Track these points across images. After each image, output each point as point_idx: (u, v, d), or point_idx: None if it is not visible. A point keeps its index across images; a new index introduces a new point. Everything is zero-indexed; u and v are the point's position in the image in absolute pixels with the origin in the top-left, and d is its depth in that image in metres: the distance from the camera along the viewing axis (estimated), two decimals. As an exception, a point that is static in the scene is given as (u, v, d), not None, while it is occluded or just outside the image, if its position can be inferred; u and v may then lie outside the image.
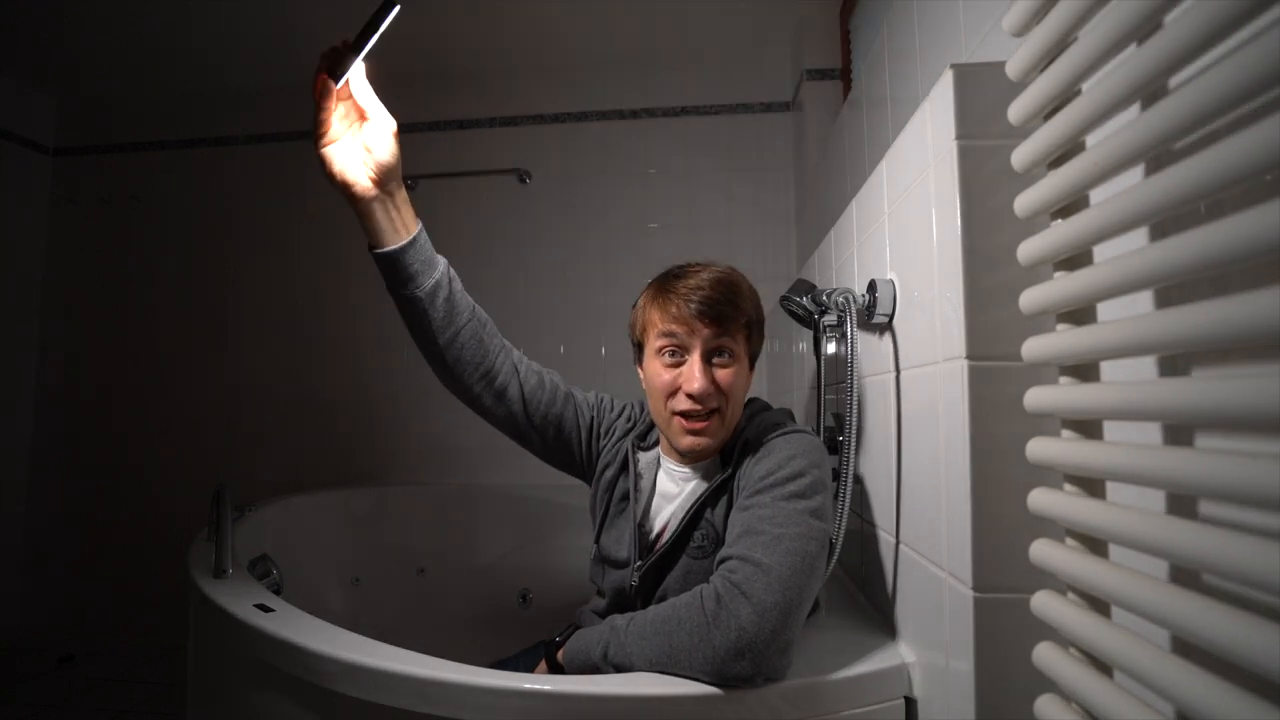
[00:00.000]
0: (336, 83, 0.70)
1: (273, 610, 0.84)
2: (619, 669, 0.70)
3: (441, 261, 0.83)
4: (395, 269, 0.79)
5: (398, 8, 0.68)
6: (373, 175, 0.75)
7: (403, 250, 0.78)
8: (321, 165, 0.74)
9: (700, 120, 2.17)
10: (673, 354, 0.82)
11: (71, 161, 2.44)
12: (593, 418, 0.95)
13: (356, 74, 0.72)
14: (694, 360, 0.80)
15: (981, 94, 0.60)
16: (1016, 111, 0.54)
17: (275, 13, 1.91)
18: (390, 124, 0.75)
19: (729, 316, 0.81)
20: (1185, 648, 0.41)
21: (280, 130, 2.33)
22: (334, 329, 2.25)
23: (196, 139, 2.38)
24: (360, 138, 0.75)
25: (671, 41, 2.09)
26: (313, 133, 0.72)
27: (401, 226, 0.79)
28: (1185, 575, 0.42)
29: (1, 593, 2.24)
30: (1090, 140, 0.48)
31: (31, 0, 1.83)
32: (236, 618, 0.83)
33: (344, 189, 0.75)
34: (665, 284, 0.84)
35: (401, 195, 0.78)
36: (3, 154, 2.28)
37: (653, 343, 0.84)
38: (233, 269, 2.32)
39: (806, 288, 1.04)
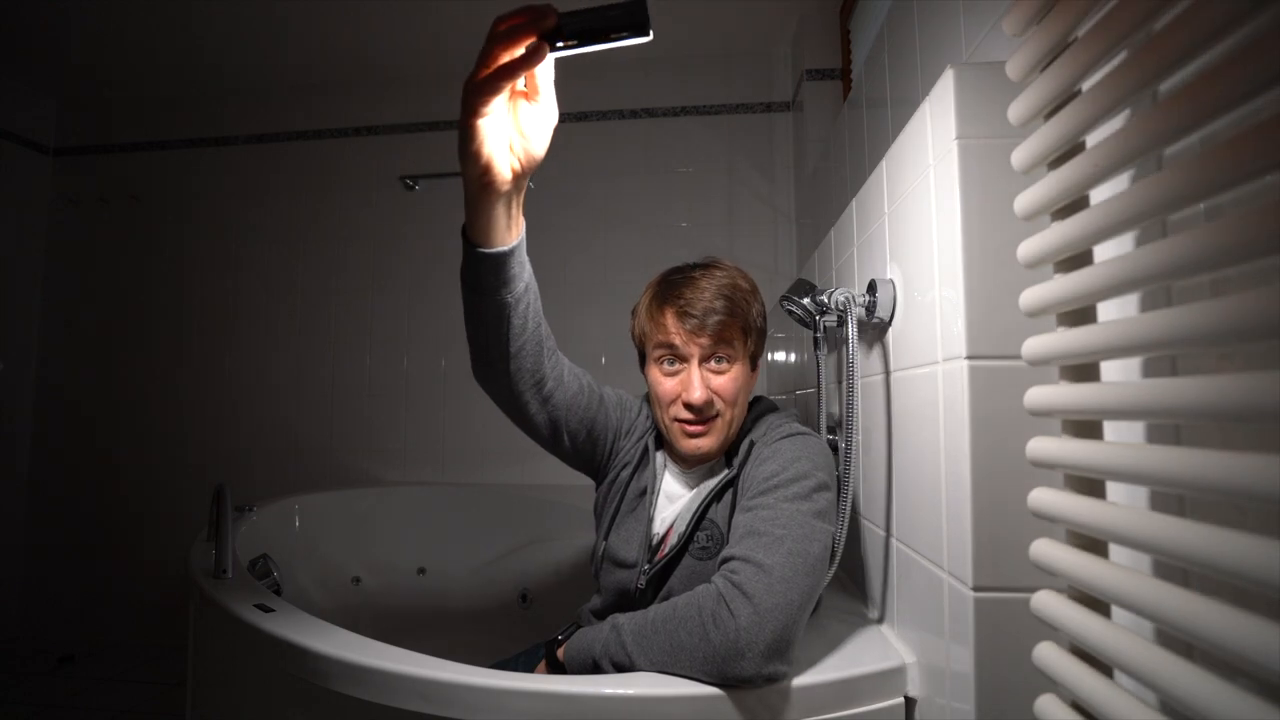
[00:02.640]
0: (553, 51, 0.53)
1: (273, 610, 0.84)
2: (619, 668, 0.70)
3: (529, 262, 0.75)
4: (498, 270, 0.69)
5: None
6: (516, 167, 0.62)
7: (510, 252, 0.69)
8: (464, 138, 0.58)
9: (700, 120, 2.17)
10: (671, 362, 0.83)
11: (71, 161, 2.44)
12: (618, 419, 0.95)
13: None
14: (692, 369, 0.81)
15: (981, 94, 0.60)
16: (1016, 112, 0.54)
17: (276, 12, 1.91)
18: (555, 117, 0.61)
19: (726, 325, 0.81)
20: (1185, 647, 0.41)
21: (280, 130, 2.33)
22: (334, 328, 2.25)
23: (196, 139, 2.38)
24: (516, 120, 0.61)
25: (672, 42, 2.09)
26: (471, 98, 0.55)
27: (515, 225, 0.69)
28: (1184, 574, 0.42)
29: (1, 593, 2.24)
30: (1090, 140, 0.48)
31: (31, 0, 1.83)
32: (236, 618, 0.83)
33: (482, 174, 0.60)
34: (661, 294, 0.85)
35: (524, 192, 0.68)
36: (3, 154, 2.28)
37: (652, 352, 0.85)
38: (232, 269, 2.32)
39: (806, 288, 1.04)
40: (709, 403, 0.81)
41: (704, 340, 0.80)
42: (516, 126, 0.61)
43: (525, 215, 0.70)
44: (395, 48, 2.11)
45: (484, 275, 0.70)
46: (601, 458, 0.95)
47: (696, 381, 0.80)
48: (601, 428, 0.92)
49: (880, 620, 0.86)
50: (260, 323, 2.29)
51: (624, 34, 0.51)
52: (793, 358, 1.61)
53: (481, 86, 0.54)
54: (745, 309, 0.83)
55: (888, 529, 0.84)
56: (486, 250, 0.68)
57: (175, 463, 2.28)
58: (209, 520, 1.11)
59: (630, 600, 0.85)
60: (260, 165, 2.34)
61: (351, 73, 2.25)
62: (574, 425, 0.89)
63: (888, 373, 0.84)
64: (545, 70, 0.58)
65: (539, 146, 0.62)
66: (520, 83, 0.58)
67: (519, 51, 0.52)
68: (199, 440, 2.28)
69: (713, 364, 0.82)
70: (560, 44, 0.53)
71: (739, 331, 0.83)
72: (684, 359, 0.82)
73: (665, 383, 0.83)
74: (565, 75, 0.61)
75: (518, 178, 0.63)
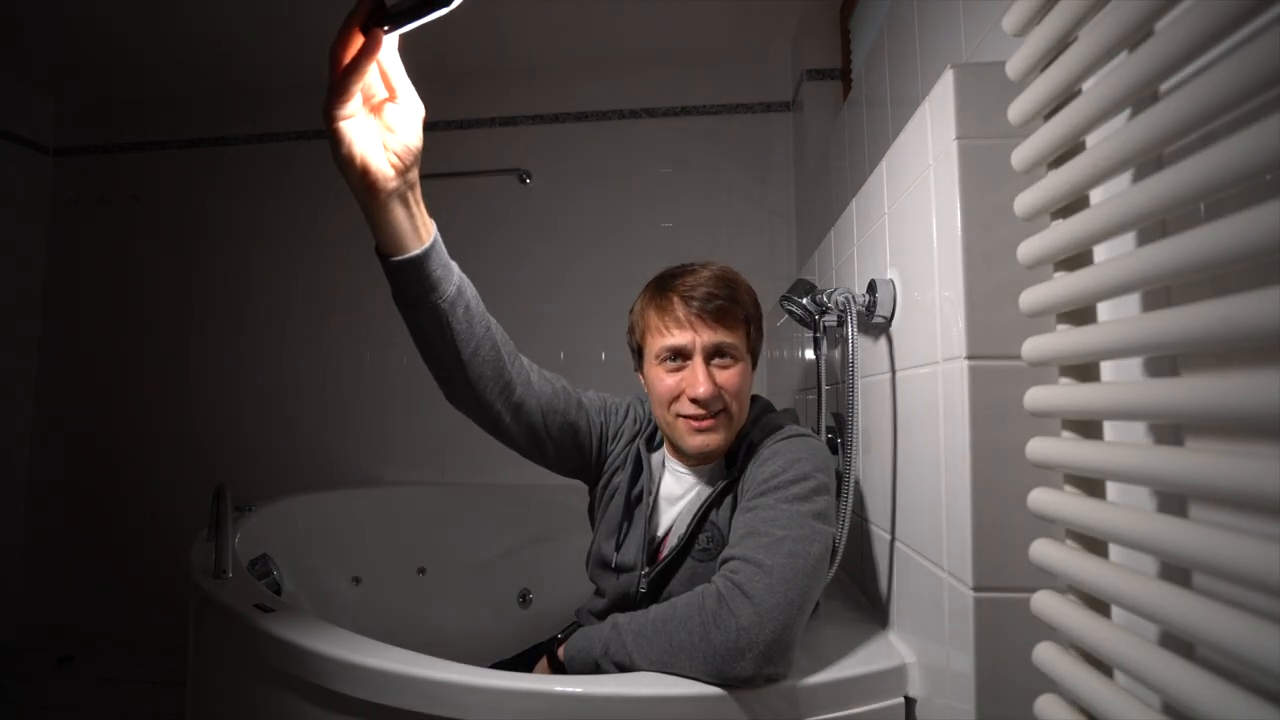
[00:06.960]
0: (387, 33, 0.56)
1: (273, 610, 0.84)
2: (620, 668, 0.70)
3: (455, 264, 0.73)
4: (418, 277, 0.68)
5: None
6: (396, 162, 0.62)
7: (426, 254, 0.67)
8: (334, 144, 0.59)
9: (700, 120, 2.17)
10: (674, 358, 0.81)
11: (71, 161, 2.43)
12: (602, 423, 0.93)
13: (390, 44, 0.58)
14: (696, 363, 0.80)
15: (981, 94, 0.60)
16: (1016, 111, 0.54)
17: (276, 11, 1.91)
18: (420, 108, 0.63)
19: (728, 313, 0.80)
20: (1185, 647, 0.41)
21: (280, 130, 2.33)
22: (334, 328, 2.25)
23: (196, 139, 2.38)
24: (379, 118, 0.62)
25: (671, 41, 2.09)
26: (327, 103, 0.57)
27: (422, 226, 0.67)
28: (1184, 574, 0.42)
29: (1, 593, 2.24)
30: (1090, 140, 0.48)
31: (31, 0, 1.83)
32: (237, 617, 0.83)
33: (361, 176, 0.61)
34: (662, 286, 0.84)
35: (419, 189, 0.66)
36: (3, 154, 2.28)
37: (653, 348, 0.83)
38: (232, 269, 2.32)
39: (806, 288, 1.04)
40: (714, 397, 0.79)
41: (708, 332, 0.79)
42: (384, 126, 0.62)
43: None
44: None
45: (408, 285, 0.69)
46: (589, 463, 0.93)
47: (702, 375, 0.78)
48: (584, 433, 0.90)
49: (880, 620, 0.86)
50: (260, 322, 2.29)
51: (436, 6, 0.55)
52: (793, 358, 1.61)
53: (332, 91, 0.56)
54: (745, 300, 0.83)
55: (888, 529, 0.84)
56: (400, 259, 0.67)
57: (175, 462, 2.27)
58: (209, 520, 1.10)
59: (631, 604, 0.85)
60: (260, 165, 2.34)
61: (351, 73, 2.25)
62: (554, 432, 0.86)
63: (887, 372, 0.84)
64: (393, 66, 0.60)
65: (411, 138, 0.62)
66: (380, 89, 0.61)
67: (355, 51, 0.56)
68: (199, 440, 2.27)
69: (717, 360, 0.81)
70: (387, 28, 0.56)
71: (740, 322, 0.82)
72: (688, 353, 0.80)
73: (667, 379, 0.81)
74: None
75: (401, 173, 0.63)
